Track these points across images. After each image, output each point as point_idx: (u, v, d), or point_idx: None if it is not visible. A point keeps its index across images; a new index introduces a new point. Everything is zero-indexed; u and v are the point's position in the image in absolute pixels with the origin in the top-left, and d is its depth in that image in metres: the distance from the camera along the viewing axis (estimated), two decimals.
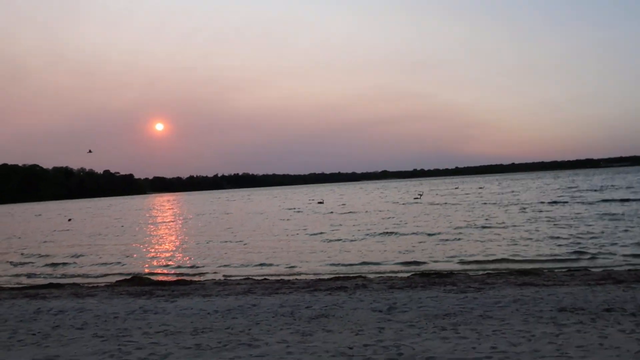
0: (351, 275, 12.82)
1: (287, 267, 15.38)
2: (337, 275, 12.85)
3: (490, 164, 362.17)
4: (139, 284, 13.11)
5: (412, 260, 15.15)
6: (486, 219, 26.06)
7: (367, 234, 21.75)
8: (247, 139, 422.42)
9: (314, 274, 14.20)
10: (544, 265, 13.61)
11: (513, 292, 9.43)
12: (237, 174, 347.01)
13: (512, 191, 61.95)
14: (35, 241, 29.84)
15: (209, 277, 14.36)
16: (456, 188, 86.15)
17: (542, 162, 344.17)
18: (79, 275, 15.63)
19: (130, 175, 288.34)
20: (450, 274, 12.21)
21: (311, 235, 23.46)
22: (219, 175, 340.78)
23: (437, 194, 65.80)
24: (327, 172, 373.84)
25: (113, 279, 14.64)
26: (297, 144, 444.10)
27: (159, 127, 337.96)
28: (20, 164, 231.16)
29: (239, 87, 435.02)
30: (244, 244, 21.19)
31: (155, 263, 17.62)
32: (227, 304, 9.47)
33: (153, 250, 21.37)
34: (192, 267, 16.37)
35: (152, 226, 35.98)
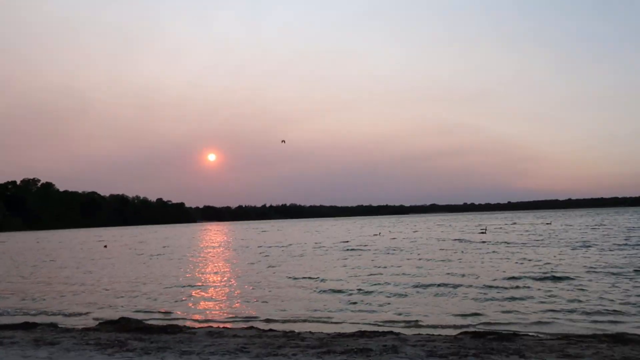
0: (380, 330, 9.92)
1: (301, 313, 12.63)
2: (362, 330, 9.99)
3: (545, 199, 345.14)
4: (122, 329, 10.80)
5: (461, 312, 11.98)
6: (569, 263, 21.52)
7: (416, 283, 17.07)
8: (296, 170, 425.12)
9: (335, 323, 11.40)
10: None
11: None
12: (285, 204, 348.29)
13: (585, 227, 56.47)
14: (55, 267, 28.66)
15: (207, 323, 11.84)
16: (514, 224, 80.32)
17: (602, 199, 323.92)
18: (68, 314, 13.55)
19: (182, 204, 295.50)
20: (513, 335, 9.08)
21: (349, 274, 20.52)
22: (267, 205, 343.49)
23: (501, 229, 60.10)
24: (375, 204, 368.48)
25: (99, 318, 12.46)
26: (345, 176, 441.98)
27: (211, 157, 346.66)
28: (80, 191, 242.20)
29: (289, 120, 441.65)
30: (263, 283, 18.53)
31: (159, 301, 15.29)
32: None
33: (169, 285, 18.96)
34: (196, 309, 13.94)
35: (185, 258, 34.15)
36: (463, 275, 17.98)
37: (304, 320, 11.81)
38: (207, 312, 13.38)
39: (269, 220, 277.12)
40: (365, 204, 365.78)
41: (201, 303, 14.75)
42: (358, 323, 11.27)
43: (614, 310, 11.51)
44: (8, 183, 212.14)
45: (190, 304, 14.55)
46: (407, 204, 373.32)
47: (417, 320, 11.36)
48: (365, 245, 38.17)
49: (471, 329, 9.92)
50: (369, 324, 11.12)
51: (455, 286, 15.50)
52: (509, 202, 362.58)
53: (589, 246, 29.83)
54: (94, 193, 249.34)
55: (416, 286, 15.92)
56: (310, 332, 10.03)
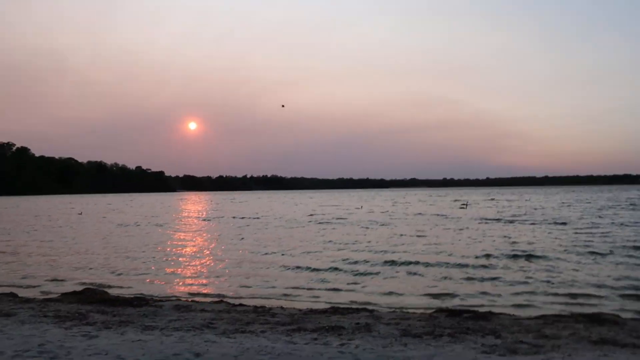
0: (353, 307, 9.63)
1: (273, 288, 12.29)
2: (334, 306, 9.68)
3: (523, 176, 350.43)
4: (85, 301, 10.30)
5: (437, 291, 11.76)
6: (545, 241, 21.19)
7: (390, 260, 16.75)
8: (278, 141, 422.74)
9: (310, 299, 11.09)
10: (624, 310, 10.02)
11: (592, 358, 6.14)
12: (266, 175, 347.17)
13: (564, 204, 57.35)
14: (22, 234, 27.82)
15: (176, 296, 11.42)
16: (492, 199, 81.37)
17: (577, 176, 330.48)
18: (28, 285, 12.95)
19: (162, 173, 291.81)
20: (489, 314, 8.87)
21: (324, 249, 20.22)
22: (248, 176, 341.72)
23: (479, 205, 60.59)
24: (356, 177, 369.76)
25: (63, 289, 11.93)
26: (327, 148, 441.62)
27: (192, 126, 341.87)
28: (57, 157, 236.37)
29: (273, 90, 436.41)
30: (236, 257, 18.07)
31: (128, 273, 14.75)
32: (160, 349, 6.50)
33: (148, 257, 18.26)
34: (165, 281, 13.48)
35: (157, 229, 33.50)
36: (439, 253, 17.76)
37: (275, 297, 11.44)
38: (177, 285, 12.90)
39: (249, 191, 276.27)
40: (346, 177, 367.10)
41: (171, 276, 14.21)
42: (331, 300, 10.92)
43: (590, 291, 11.40)
44: None
45: (160, 277, 14.01)
46: (387, 178, 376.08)
47: (391, 296, 11.12)
48: (341, 219, 38.02)
49: (446, 307, 9.69)
50: (342, 301, 10.80)
51: (431, 264, 15.21)
52: (487, 178, 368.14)
53: (565, 223, 30.13)
54: (71, 159, 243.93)
55: (391, 263, 15.54)
56: (281, 307, 9.69)
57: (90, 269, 15.69)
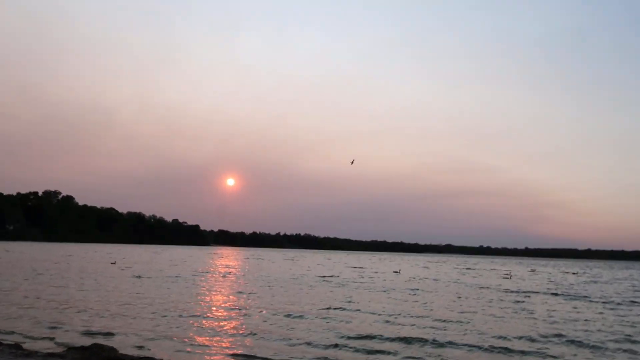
0: None
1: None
2: None
3: (564, 248, 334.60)
4: (90, 358, 9.73)
5: None
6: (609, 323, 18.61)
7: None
8: (313, 200, 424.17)
9: None
10: None
11: None
12: (299, 234, 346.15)
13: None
14: (50, 282, 27.81)
15: (192, 357, 10.65)
16: (532, 271, 77.22)
17: (622, 251, 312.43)
18: (37, 336, 12.46)
19: (197, 226, 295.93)
20: None
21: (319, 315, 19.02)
22: (282, 233, 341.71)
23: (529, 276, 56.34)
24: (389, 240, 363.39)
25: (73, 340, 11.42)
26: (361, 209, 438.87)
27: (230, 182, 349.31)
28: (98, 206, 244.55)
29: (310, 149, 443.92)
30: (258, 318, 17.11)
31: (144, 328, 14.09)
32: None
33: (162, 312, 17.47)
34: (180, 341, 12.66)
35: (184, 283, 32.93)
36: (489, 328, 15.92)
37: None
38: (192, 346, 12.09)
39: (281, 249, 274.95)
40: (380, 239, 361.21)
41: (189, 335, 13.45)
42: None
43: None
44: (30, 194, 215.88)
45: (176, 336, 13.24)
46: (422, 243, 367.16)
47: None
48: (375, 284, 36.42)
49: None
50: None
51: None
52: (526, 248, 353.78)
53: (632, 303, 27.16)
54: (111, 209, 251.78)
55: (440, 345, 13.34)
56: None
57: (104, 318, 15.15)
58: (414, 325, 16.54)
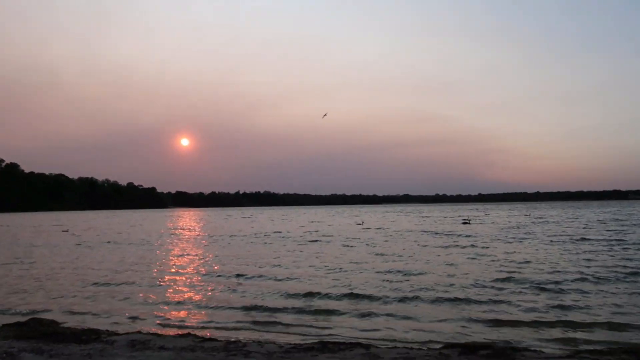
0: (345, 342, 8.00)
1: (249, 317, 10.60)
2: (322, 341, 8.07)
3: (515, 192, 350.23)
4: (27, 334, 8.61)
5: (443, 319, 10.11)
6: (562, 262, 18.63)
7: (391, 285, 14.40)
8: (270, 156, 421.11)
9: (294, 332, 9.42)
10: None
11: None
12: (259, 191, 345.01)
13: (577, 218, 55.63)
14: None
15: (135, 327, 9.70)
16: (486, 215, 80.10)
17: (568, 192, 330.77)
18: None
19: (153, 189, 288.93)
20: (512, 350, 7.29)
21: (317, 272, 18.54)
22: (241, 192, 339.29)
23: (479, 219, 58.37)
24: (349, 193, 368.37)
25: (6, 318, 10.23)
26: (319, 163, 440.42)
27: (184, 142, 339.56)
28: (47, 173, 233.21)
29: (265, 104, 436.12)
30: (212, 281, 16.24)
31: (91, 299, 12.92)
32: None
33: (107, 281, 15.90)
34: (130, 309, 11.60)
35: (135, 248, 31.63)
36: (449, 276, 15.81)
37: (251, 328, 9.74)
38: (141, 313, 11.02)
39: (241, 207, 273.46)
40: (339, 192, 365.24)
41: (136, 303, 12.16)
42: (319, 333, 9.23)
43: (625, 321, 9.71)
44: None
45: (122, 304, 12.00)
46: (380, 194, 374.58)
47: (389, 330, 9.44)
48: (331, 236, 36.31)
49: (458, 342, 8.08)
50: (330, 334, 9.13)
51: (437, 288, 13.45)
52: (479, 194, 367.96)
53: (578, 240, 28.09)
54: (61, 175, 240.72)
55: (392, 288, 13.60)
56: (258, 342, 8.05)
57: (48, 292, 13.93)
58: (380, 271, 16.28)
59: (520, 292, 12.83)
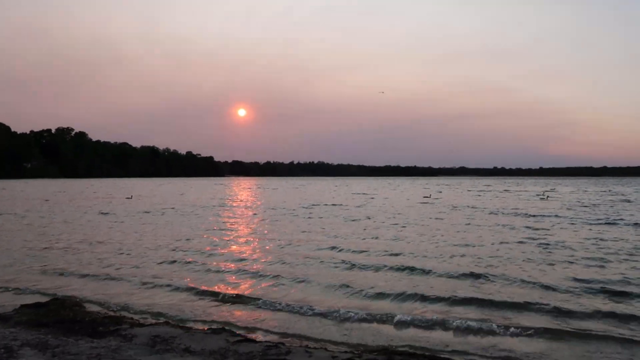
0: (419, 353, 6.19)
1: (300, 306, 8.93)
2: (390, 348, 6.31)
3: (579, 166, 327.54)
4: (40, 320, 7.47)
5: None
6: None
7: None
8: (327, 127, 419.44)
9: (353, 332, 7.71)
10: None
11: None
12: (313, 162, 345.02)
13: None
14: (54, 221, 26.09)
15: (163, 318, 8.32)
16: (553, 190, 74.74)
17: (638, 167, 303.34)
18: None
19: (211, 158, 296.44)
20: None
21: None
22: (295, 162, 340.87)
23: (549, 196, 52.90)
24: (403, 165, 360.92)
25: (28, 298, 9.22)
26: (374, 135, 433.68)
27: (242, 112, 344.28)
28: (112, 142, 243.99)
29: (323, 75, 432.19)
30: (265, 261, 14.63)
31: (131, 275, 11.75)
32: None
33: (151, 256, 14.51)
34: (166, 293, 10.05)
35: (190, 217, 30.97)
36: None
37: (303, 321, 8.01)
38: (175, 299, 9.44)
39: (295, 177, 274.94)
40: (393, 164, 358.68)
41: (177, 286, 10.37)
42: (388, 334, 7.41)
43: None
44: (44, 131, 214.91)
45: (161, 286, 10.39)
46: (435, 166, 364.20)
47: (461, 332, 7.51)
48: (399, 215, 34.20)
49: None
50: (401, 343, 7.25)
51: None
52: (541, 168, 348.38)
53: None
54: (125, 144, 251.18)
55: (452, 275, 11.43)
56: (306, 349, 6.40)
57: (90, 266, 12.98)
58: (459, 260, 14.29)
59: None
